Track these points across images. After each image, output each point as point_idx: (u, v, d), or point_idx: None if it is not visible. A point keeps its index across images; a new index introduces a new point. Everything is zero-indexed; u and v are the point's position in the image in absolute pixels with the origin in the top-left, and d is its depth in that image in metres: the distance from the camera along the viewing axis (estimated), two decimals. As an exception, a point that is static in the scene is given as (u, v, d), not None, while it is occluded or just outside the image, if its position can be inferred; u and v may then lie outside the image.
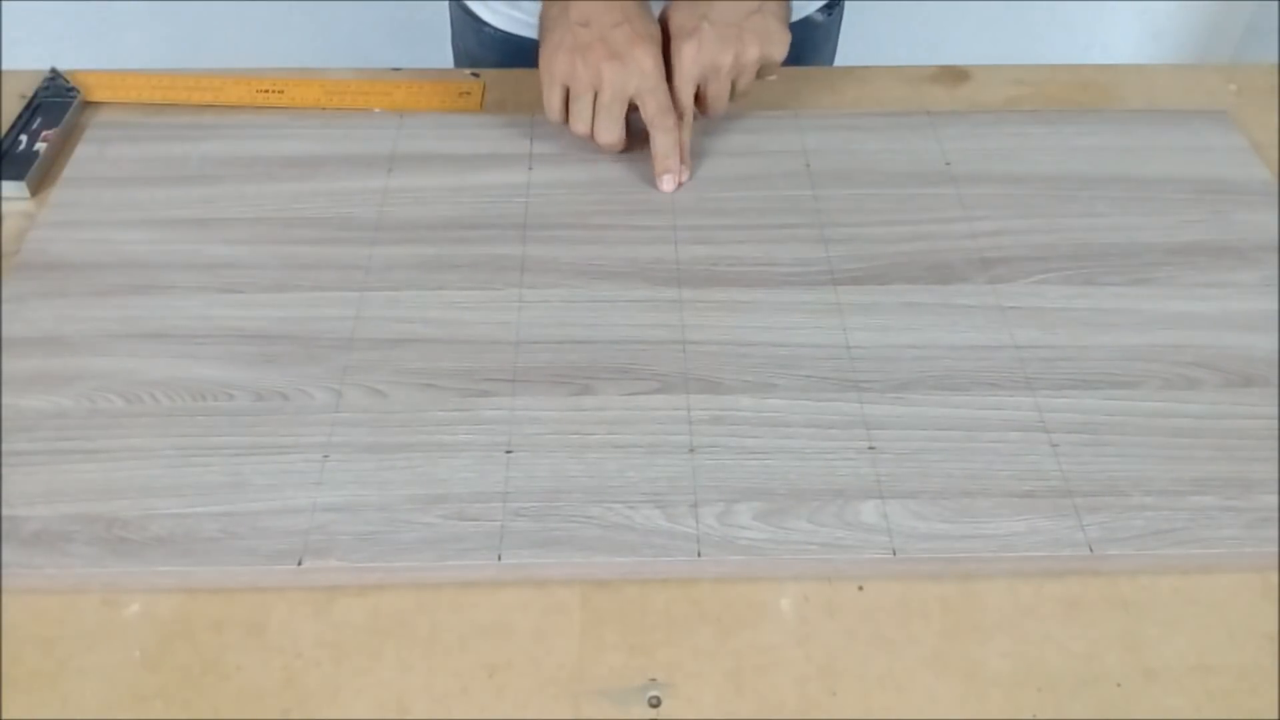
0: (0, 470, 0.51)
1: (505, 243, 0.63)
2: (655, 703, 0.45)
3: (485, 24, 0.84)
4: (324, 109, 0.73)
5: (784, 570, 0.49)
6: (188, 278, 0.61)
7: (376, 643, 0.47)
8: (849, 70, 0.79)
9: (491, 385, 0.55)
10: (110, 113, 0.73)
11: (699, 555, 0.49)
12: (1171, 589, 0.50)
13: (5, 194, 0.66)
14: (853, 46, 0.94)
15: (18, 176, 0.66)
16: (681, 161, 0.67)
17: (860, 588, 0.49)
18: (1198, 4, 1.61)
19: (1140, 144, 0.71)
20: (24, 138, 0.69)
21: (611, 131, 0.66)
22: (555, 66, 0.65)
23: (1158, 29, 1.64)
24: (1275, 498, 0.51)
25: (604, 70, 0.63)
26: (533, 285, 0.61)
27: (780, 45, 0.66)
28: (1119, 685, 0.46)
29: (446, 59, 0.94)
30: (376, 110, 0.73)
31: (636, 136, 0.67)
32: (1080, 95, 0.76)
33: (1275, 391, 0.56)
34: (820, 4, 0.85)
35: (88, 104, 0.73)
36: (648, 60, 0.64)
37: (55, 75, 0.73)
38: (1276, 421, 0.55)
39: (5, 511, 0.50)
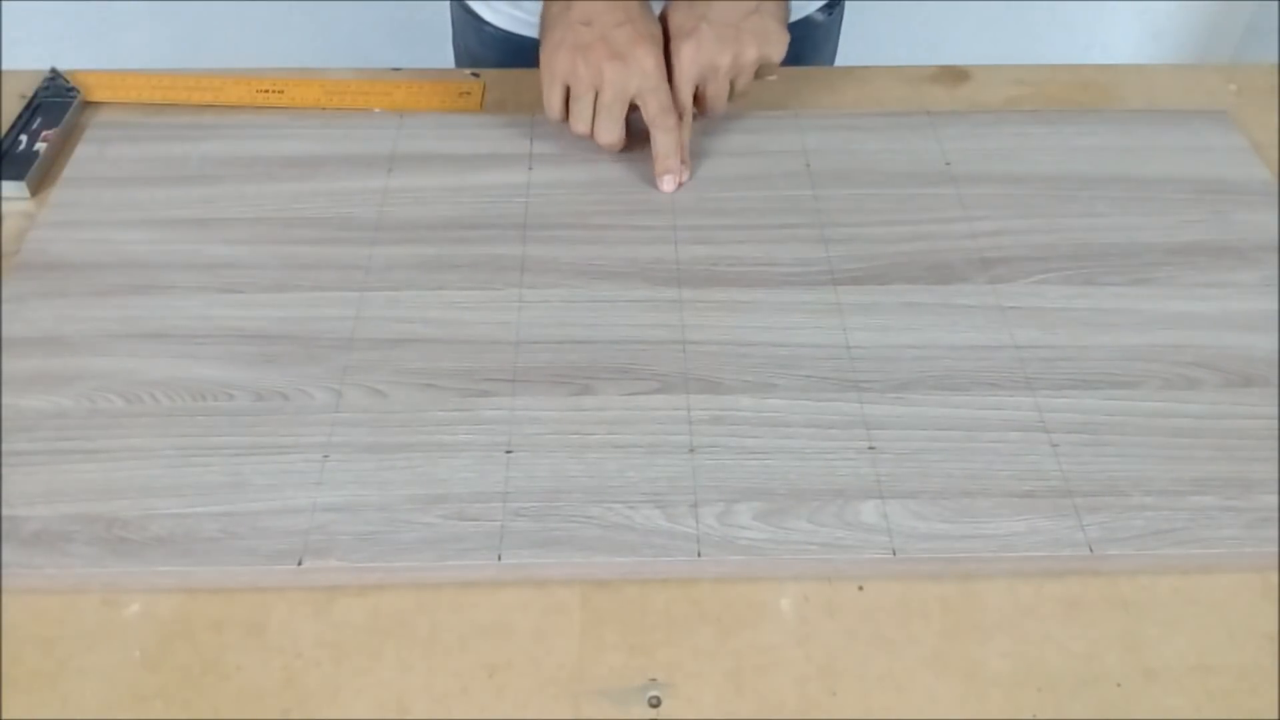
0: (0, 470, 0.51)
1: (505, 243, 0.63)
2: (655, 703, 0.45)
3: (486, 23, 0.84)
4: (324, 109, 0.73)
5: (784, 570, 0.49)
6: (188, 278, 0.61)
7: (376, 643, 0.47)
8: (849, 70, 0.79)
9: (491, 385, 0.55)
10: (110, 113, 0.73)
11: (699, 555, 0.49)
12: (1171, 589, 0.50)
13: (5, 194, 0.66)
14: (853, 46, 0.94)
15: (18, 176, 0.66)
16: (681, 162, 0.67)
17: (860, 588, 0.49)
18: (1198, 4, 1.61)
19: (1140, 144, 0.71)
20: (24, 138, 0.69)
21: (612, 131, 0.66)
22: (556, 65, 0.65)
23: (1158, 29, 1.64)
24: (1275, 498, 0.51)
25: (606, 70, 0.63)
26: (533, 285, 0.61)
27: (778, 46, 0.66)
28: (1119, 685, 0.46)
29: (446, 59, 0.94)
30: (376, 110, 0.73)
31: (637, 136, 0.67)
32: (1080, 95, 0.76)
33: (1275, 391, 0.56)
34: (820, 3, 0.86)
35: (88, 104, 0.73)
36: (649, 60, 0.64)
37: (55, 75, 0.73)
38: (1276, 421, 0.55)
39: (5, 511, 0.50)
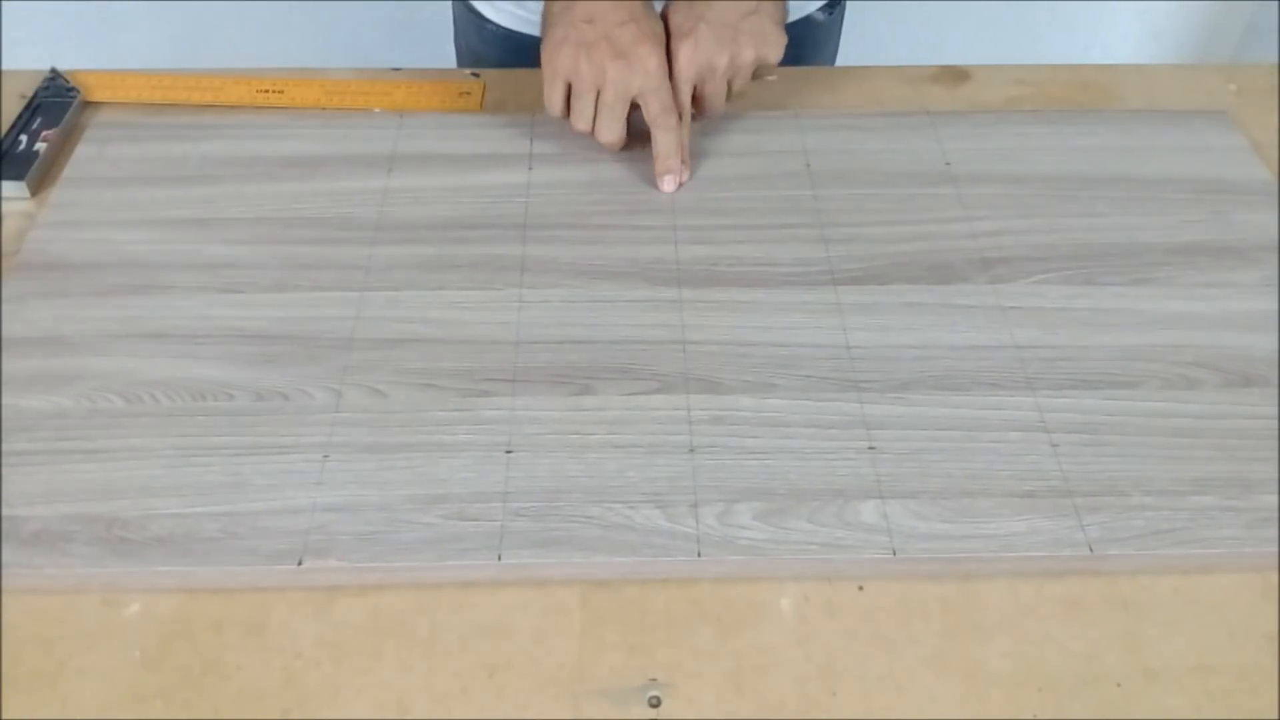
0: (0, 470, 0.51)
1: (505, 243, 0.63)
2: (655, 703, 0.45)
3: (488, 21, 0.84)
4: (324, 109, 0.73)
5: (784, 570, 0.49)
6: (188, 278, 0.61)
7: (376, 643, 0.47)
8: (849, 70, 0.79)
9: (491, 385, 0.55)
10: (110, 113, 0.73)
11: (699, 555, 0.49)
12: (1171, 589, 0.50)
13: (5, 194, 0.66)
14: (853, 46, 0.94)
15: (18, 176, 0.66)
16: (681, 162, 0.67)
17: (860, 588, 0.49)
18: (1198, 4, 1.61)
19: (1140, 144, 0.71)
20: (24, 138, 0.69)
21: (613, 130, 0.66)
22: (558, 62, 0.65)
23: (1158, 29, 1.64)
24: (1275, 498, 0.51)
25: (608, 69, 0.63)
26: (533, 285, 0.61)
27: (775, 47, 0.66)
28: (1119, 685, 0.46)
29: (446, 59, 0.94)
30: (376, 110, 0.73)
31: (637, 136, 0.67)
32: (1080, 95, 0.76)
33: (1275, 391, 0.56)
34: (821, 3, 0.85)
35: (88, 104, 0.73)
36: (652, 60, 0.64)
37: (55, 75, 0.73)
38: (1276, 421, 0.55)
39: (5, 511, 0.50)
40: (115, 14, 1.47)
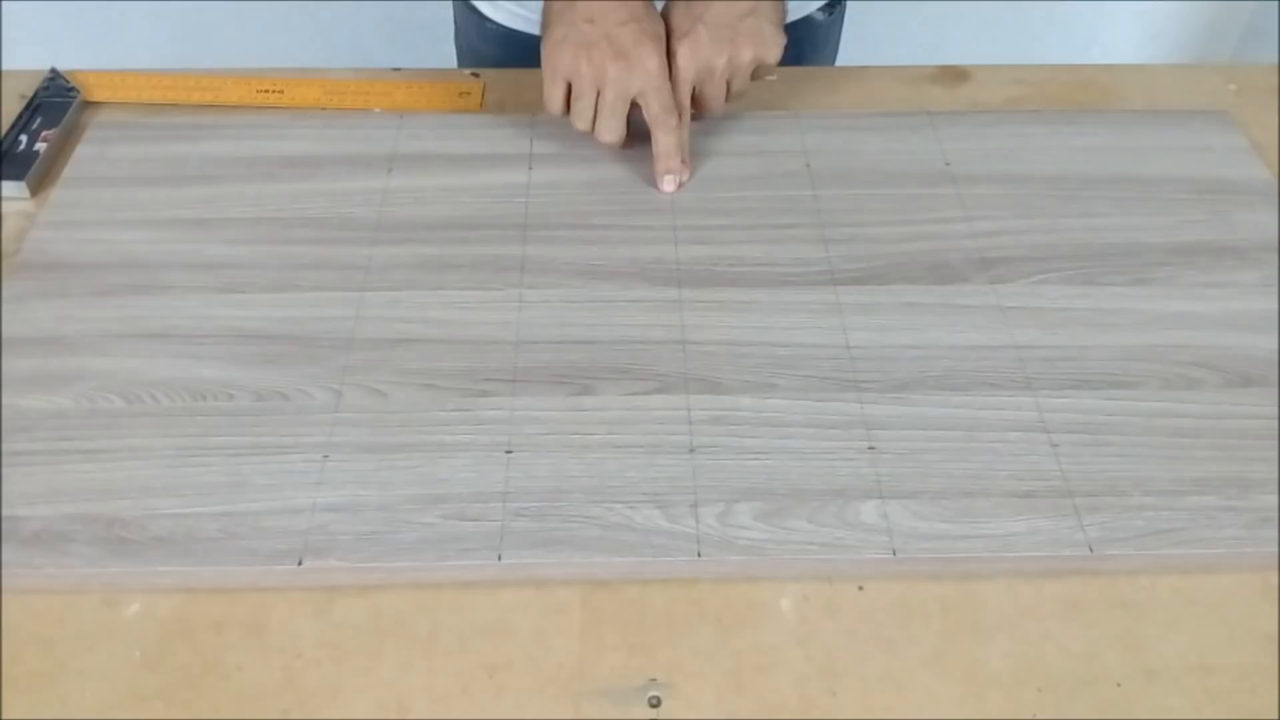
0: (0, 470, 0.51)
1: (505, 243, 0.63)
2: (655, 703, 0.45)
3: (487, 19, 0.84)
4: (324, 109, 0.73)
5: (784, 570, 0.49)
6: (188, 278, 0.61)
7: (376, 643, 0.47)
8: (849, 70, 0.79)
9: (491, 385, 0.55)
10: (110, 113, 0.73)
11: (699, 555, 0.49)
12: (1171, 589, 0.50)
13: (5, 194, 0.66)
14: (853, 46, 0.94)
15: (18, 176, 0.66)
16: (682, 162, 0.67)
17: (860, 588, 0.49)
18: (1198, 4, 1.61)
19: (1140, 144, 0.71)
20: (24, 138, 0.69)
21: (614, 131, 0.66)
22: (559, 62, 0.65)
23: (1158, 29, 1.64)
24: (1275, 498, 0.51)
25: (609, 69, 0.63)
26: (533, 285, 0.61)
27: (773, 47, 0.66)
28: (1119, 685, 0.46)
29: (446, 59, 0.94)
30: (376, 110, 0.73)
31: (637, 136, 0.67)
32: (1080, 95, 0.76)
33: (1275, 391, 0.56)
34: (821, 3, 0.85)
35: (88, 104, 0.73)
36: (652, 60, 0.64)
37: (55, 75, 0.73)
38: (1276, 421, 0.55)
39: (5, 511, 0.50)
40: (115, 14, 1.47)
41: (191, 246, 0.63)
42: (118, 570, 0.48)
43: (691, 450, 0.53)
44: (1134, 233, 0.65)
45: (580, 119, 0.66)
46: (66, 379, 0.55)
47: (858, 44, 0.97)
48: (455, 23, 0.91)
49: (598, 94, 0.65)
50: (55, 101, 0.72)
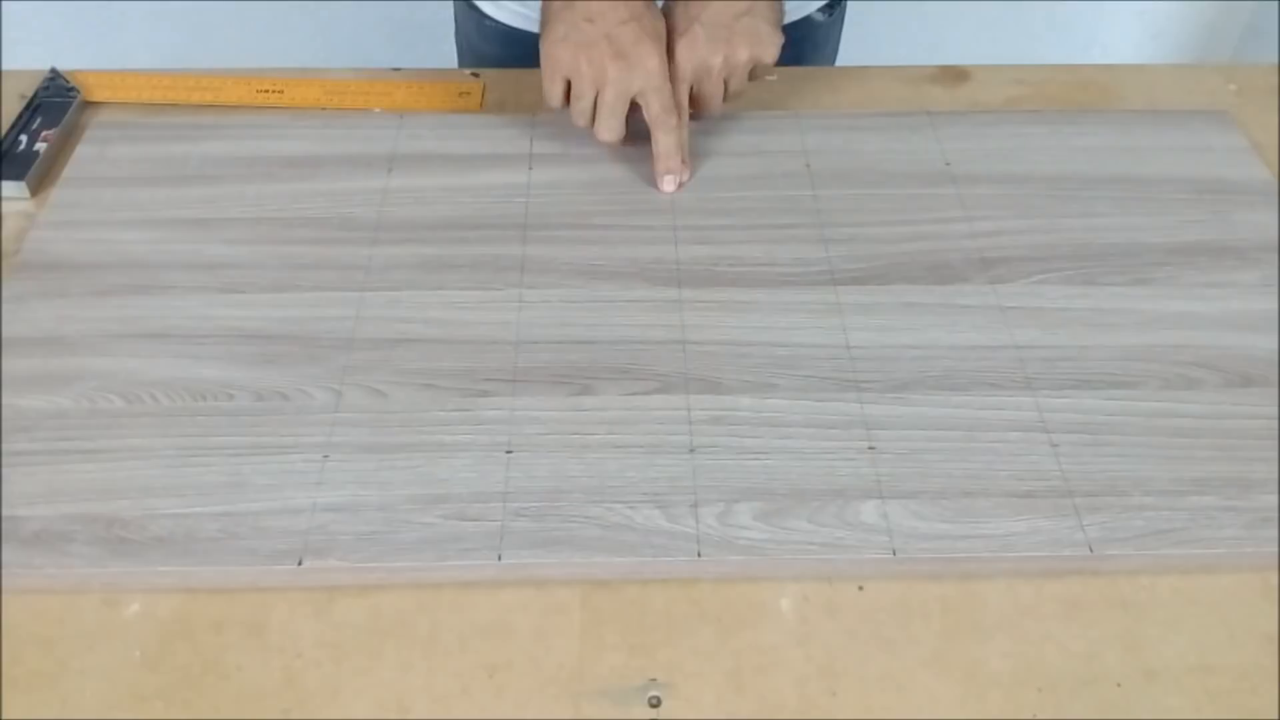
0: (0, 470, 0.51)
1: (505, 243, 0.63)
2: (655, 703, 0.45)
3: (487, 17, 0.84)
4: (324, 109, 0.73)
5: (784, 570, 0.49)
6: (188, 278, 0.61)
7: (376, 643, 0.47)
8: (849, 70, 0.79)
9: (491, 385, 0.55)
10: (110, 113, 0.73)
11: (699, 555, 0.49)
12: (1171, 589, 0.50)
13: (5, 194, 0.66)
14: (853, 46, 0.94)
15: (18, 176, 0.66)
16: (681, 161, 0.67)
17: (860, 588, 0.49)
18: (1198, 4, 1.61)
19: (1140, 144, 0.71)
20: (24, 138, 0.69)
21: (613, 130, 0.66)
22: (559, 60, 0.65)
23: (1158, 29, 1.64)
24: (1275, 498, 0.51)
25: (609, 69, 0.63)
26: (533, 285, 0.61)
27: (770, 47, 0.66)
28: (1119, 685, 0.46)
29: (447, 59, 0.94)
30: (376, 110, 0.73)
31: (636, 136, 0.67)
32: (1080, 95, 0.76)
33: (1275, 391, 0.56)
34: (821, 3, 0.85)
35: (88, 104, 0.73)
36: (652, 59, 0.64)
37: (55, 75, 0.73)
38: (1276, 421, 0.55)
39: (5, 511, 0.50)
40: (115, 14, 1.47)
41: (191, 246, 0.63)
42: (118, 570, 0.48)
43: (691, 450, 0.53)
44: (1134, 233, 0.65)
45: (580, 118, 0.66)
46: (66, 379, 0.55)
47: (858, 44, 0.97)
48: (455, 21, 0.91)
49: (597, 93, 0.65)
50: (55, 101, 0.72)
